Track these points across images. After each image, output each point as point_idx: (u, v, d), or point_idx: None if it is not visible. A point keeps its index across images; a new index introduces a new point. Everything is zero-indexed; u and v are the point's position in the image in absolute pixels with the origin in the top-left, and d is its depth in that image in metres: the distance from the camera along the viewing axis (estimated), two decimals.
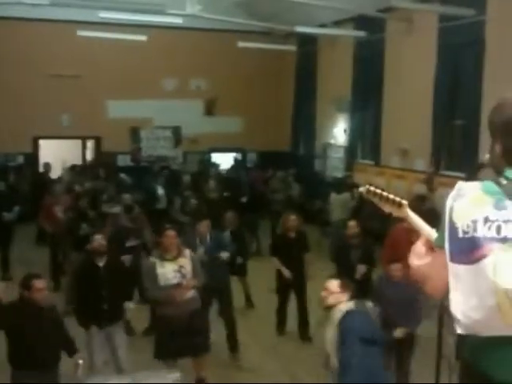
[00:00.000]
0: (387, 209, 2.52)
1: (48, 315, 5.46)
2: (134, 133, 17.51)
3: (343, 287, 4.91)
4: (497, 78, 10.43)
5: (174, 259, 6.26)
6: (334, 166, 16.11)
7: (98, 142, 17.50)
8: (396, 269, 6.38)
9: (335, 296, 4.86)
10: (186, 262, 6.31)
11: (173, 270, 6.20)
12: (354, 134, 15.28)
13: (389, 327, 5.93)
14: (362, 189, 2.57)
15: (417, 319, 6.34)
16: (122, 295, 6.48)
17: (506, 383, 2.07)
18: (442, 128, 12.18)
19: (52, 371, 5.50)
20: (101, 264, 6.41)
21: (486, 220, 1.98)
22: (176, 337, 6.14)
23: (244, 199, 13.25)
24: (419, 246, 2.33)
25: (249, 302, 9.50)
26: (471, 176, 2.29)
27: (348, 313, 4.69)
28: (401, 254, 7.68)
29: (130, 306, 6.49)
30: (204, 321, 6.56)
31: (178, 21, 13.93)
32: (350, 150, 15.37)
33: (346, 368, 4.50)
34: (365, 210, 12.09)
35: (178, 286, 6.19)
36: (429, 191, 11.33)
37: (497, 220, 1.98)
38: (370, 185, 2.58)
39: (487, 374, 2.12)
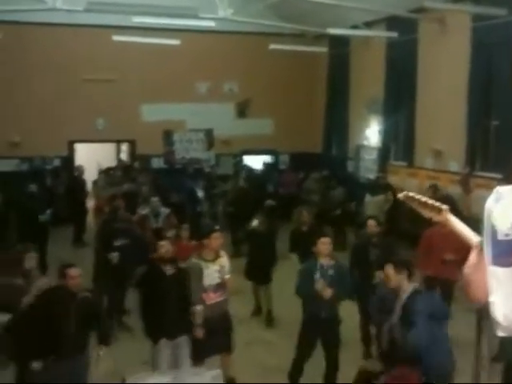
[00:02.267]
0: (427, 214, 2.52)
1: (80, 303, 5.50)
2: (168, 136, 17.70)
3: (398, 270, 5.22)
4: None
5: (214, 260, 6.41)
6: (367, 168, 16.05)
7: (132, 145, 17.73)
8: (383, 275, 5.68)
9: (396, 279, 5.18)
10: (225, 261, 6.49)
11: (215, 271, 6.36)
12: (387, 135, 15.20)
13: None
14: (400, 195, 2.60)
15: None
16: (188, 303, 6.33)
17: None
18: (477, 128, 12.06)
19: (78, 359, 5.49)
20: (169, 272, 6.33)
21: None
22: (209, 337, 6.27)
23: (271, 202, 13.24)
24: (472, 257, 2.28)
25: (269, 316, 9.14)
26: (508, 177, 2.30)
27: (414, 293, 5.10)
28: (434, 256, 7.72)
29: (197, 308, 6.24)
30: (231, 321, 6.66)
31: (211, 24, 14.05)
32: (383, 152, 15.30)
33: (415, 347, 4.90)
34: (400, 212, 12.04)
35: (220, 285, 6.37)
36: (464, 193, 11.24)
37: None
38: (409, 191, 2.60)
39: None
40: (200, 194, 13.95)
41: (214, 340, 6.33)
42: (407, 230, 10.10)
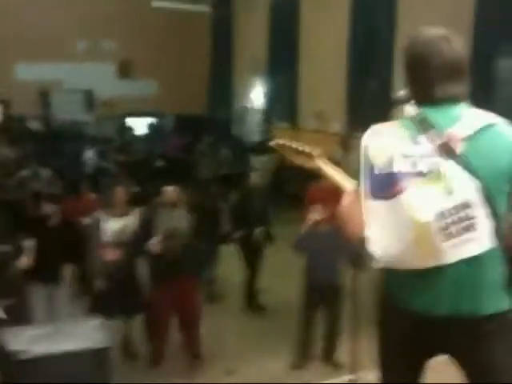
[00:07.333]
0: (299, 161, 2.51)
1: None
2: (44, 96, 16.79)
3: None
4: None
5: (119, 217, 6.19)
6: (252, 130, 16.06)
7: (6, 105, 16.68)
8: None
9: None
10: (131, 220, 6.23)
11: (117, 228, 6.13)
12: (271, 98, 15.24)
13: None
14: (272, 143, 2.58)
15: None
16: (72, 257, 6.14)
17: (420, 311, 2.13)
18: (356, 89, 12.33)
19: None
20: (52, 223, 6.09)
21: (402, 156, 2.03)
22: (109, 296, 6.04)
23: (159, 163, 13.05)
24: (347, 198, 2.29)
25: None
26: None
27: None
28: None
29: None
30: (138, 283, 6.41)
31: None
32: (267, 114, 15.34)
33: None
34: (284, 173, 12.19)
35: (121, 244, 6.10)
36: (344, 153, 11.50)
37: (412, 155, 2.02)
38: (280, 138, 2.62)
39: (404, 307, 2.17)
40: (89, 155, 13.35)
41: (115, 300, 6.04)
42: (292, 189, 10.22)
